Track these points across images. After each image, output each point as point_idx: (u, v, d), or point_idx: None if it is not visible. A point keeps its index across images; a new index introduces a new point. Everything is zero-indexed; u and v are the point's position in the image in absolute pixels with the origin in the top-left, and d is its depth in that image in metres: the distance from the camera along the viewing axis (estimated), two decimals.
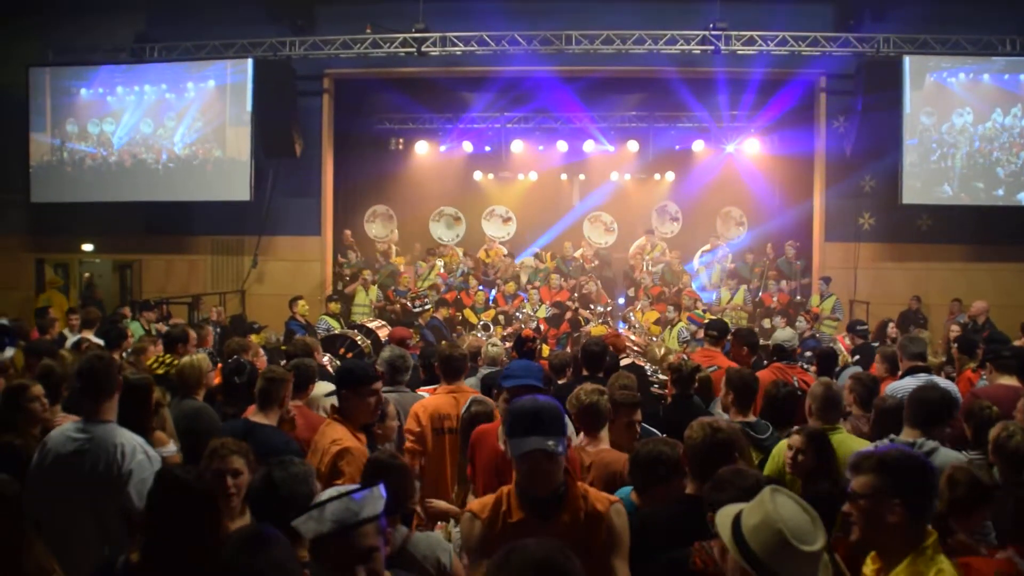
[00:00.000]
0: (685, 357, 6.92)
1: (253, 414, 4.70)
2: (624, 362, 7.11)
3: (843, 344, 10.32)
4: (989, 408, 4.66)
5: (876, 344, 9.05)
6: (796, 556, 2.23)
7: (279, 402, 4.68)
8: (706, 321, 10.52)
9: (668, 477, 3.56)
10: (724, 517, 2.41)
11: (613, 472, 4.12)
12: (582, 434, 4.39)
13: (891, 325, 10.42)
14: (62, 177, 14.89)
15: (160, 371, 6.18)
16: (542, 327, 12.85)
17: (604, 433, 4.40)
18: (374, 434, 4.73)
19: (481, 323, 13.24)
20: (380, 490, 2.65)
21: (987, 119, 13.64)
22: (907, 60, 13.52)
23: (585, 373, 6.40)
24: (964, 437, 4.79)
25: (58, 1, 14.58)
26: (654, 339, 11.89)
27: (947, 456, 4.14)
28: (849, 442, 4.56)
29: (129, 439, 3.86)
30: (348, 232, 15.92)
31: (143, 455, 3.83)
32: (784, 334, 6.65)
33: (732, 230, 17.08)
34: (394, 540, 3.18)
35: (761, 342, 9.47)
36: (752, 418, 5.03)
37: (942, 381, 6.05)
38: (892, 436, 4.37)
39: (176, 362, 6.19)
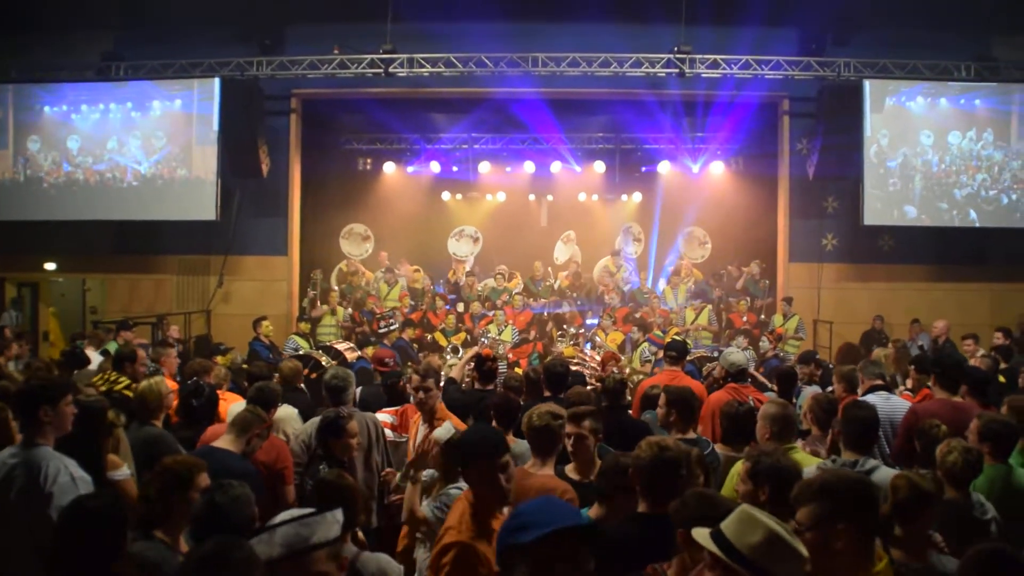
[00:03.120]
0: (615, 371, 6.91)
1: (221, 439, 4.70)
2: None
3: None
4: (937, 427, 4.72)
5: None
6: (791, 554, 2.31)
7: (247, 436, 4.70)
8: (666, 342, 10.55)
9: (630, 489, 3.57)
10: (704, 539, 2.42)
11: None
12: (532, 456, 4.36)
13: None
14: (24, 195, 14.67)
15: (103, 388, 6.12)
16: (509, 355, 12.81)
17: (552, 459, 4.33)
18: (330, 447, 4.73)
19: (450, 346, 13.20)
20: (336, 515, 2.63)
21: (945, 142, 13.94)
22: (867, 84, 13.78)
23: (547, 394, 6.41)
24: (909, 454, 4.86)
25: (23, 19, 14.43)
26: (623, 359, 11.96)
27: (887, 474, 4.17)
28: (806, 461, 4.60)
29: (55, 462, 3.83)
30: (385, 254, 16.36)
31: (67, 477, 3.79)
32: (736, 356, 6.71)
33: (696, 250, 17.25)
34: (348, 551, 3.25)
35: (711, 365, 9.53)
36: (692, 435, 5.08)
37: (898, 399, 6.15)
38: (834, 457, 4.42)
39: (122, 380, 6.14)
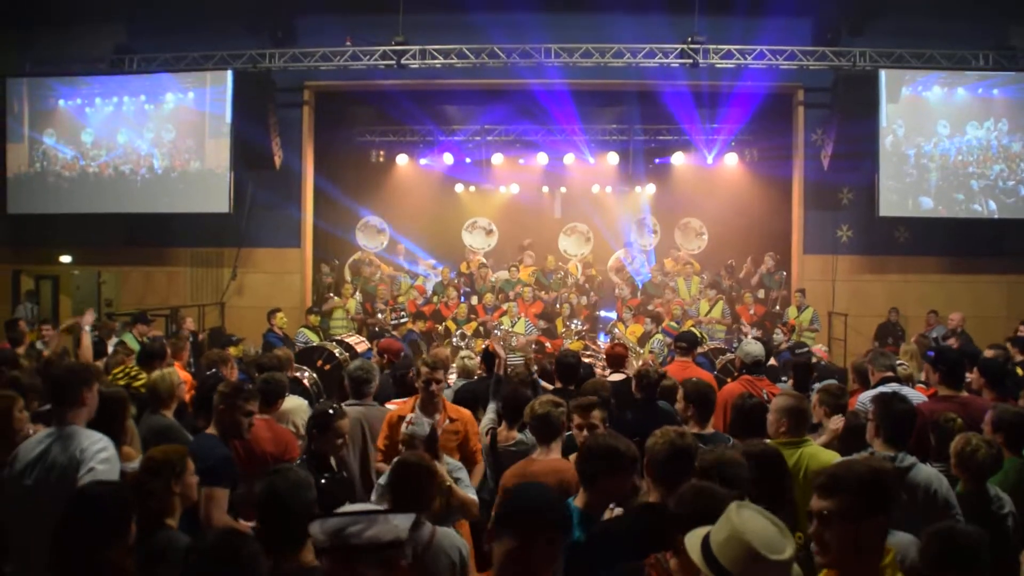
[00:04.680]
0: (651, 363, 6.92)
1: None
2: (616, 378, 7.07)
3: (821, 355, 10.37)
4: (953, 420, 4.67)
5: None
6: (768, 567, 2.23)
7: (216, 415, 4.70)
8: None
9: (614, 471, 3.51)
10: (693, 539, 2.39)
11: (563, 480, 4.12)
12: (537, 445, 4.56)
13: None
14: (40, 188, 14.78)
15: (122, 382, 6.13)
16: (547, 344, 12.77)
17: (557, 444, 4.52)
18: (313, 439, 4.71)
19: (459, 331, 13.20)
20: (402, 520, 2.45)
21: (962, 132, 13.79)
22: (883, 74, 13.65)
23: (558, 385, 6.42)
24: (913, 451, 4.80)
25: (37, 12, 14.50)
26: (640, 351, 11.92)
27: (927, 471, 4.12)
28: (820, 455, 4.53)
29: (97, 436, 3.92)
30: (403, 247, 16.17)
31: (104, 446, 3.86)
32: (753, 348, 6.64)
33: (692, 241, 17.18)
34: (421, 536, 3.33)
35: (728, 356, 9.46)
36: (710, 430, 5.05)
37: (911, 392, 6.08)
38: (872, 450, 4.30)
39: (142, 376, 6.15)
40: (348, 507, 2.56)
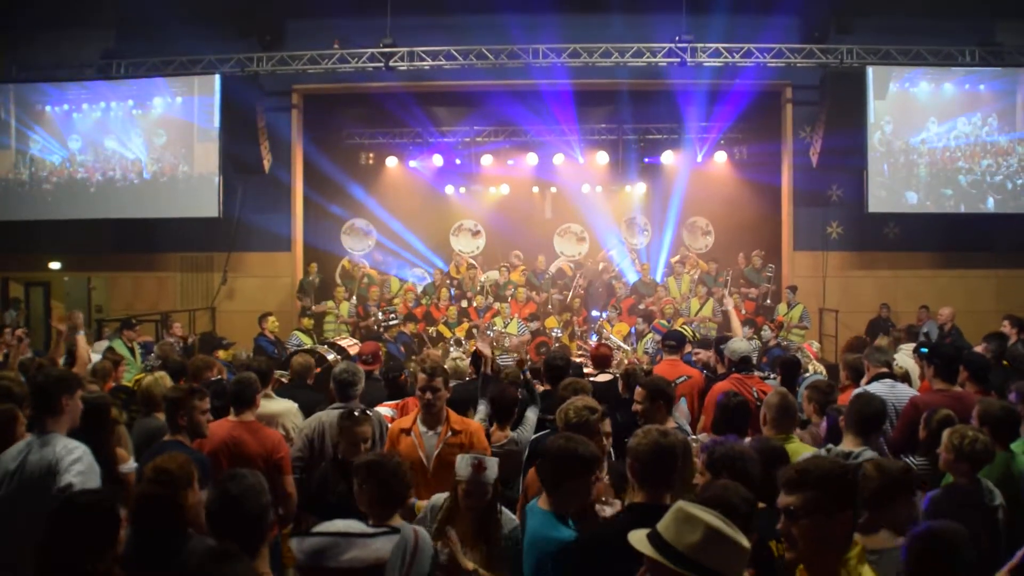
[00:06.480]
0: (637, 361, 6.88)
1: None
2: (603, 378, 7.04)
3: (811, 352, 10.36)
4: (950, 416, 4.65)
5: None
6: (728, 544, 2.25)
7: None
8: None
9: (578, 474, 3.47)
10: (641, 544, 2.34)
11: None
12: None
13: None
14: (27, 195, 14.74)
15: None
16: (548, 345, 12.73)
17: None
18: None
19: (453, 338, 13.17)
20: (378, 543, 2.45)
21: (950, 127, 13.85)
22: (870, 71, 13.69)
23: (547, 387, 6.38)
24: (905, 444, 4.81)
25: (24, 18, 14.46)
26: (630, 350, 11.91)
27: None
28: (802, 451, 4.56)
29: (73, 444, 3.91)
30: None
31: (79, 456, 3.85)
32: (740, 344, 6.63)
33: (699, 240, 17.19)
34: (407, 539, 3.44)
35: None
36: (672, 425, 5.03)
37: (903, 387, 6.10)
38: (830, 446, 4.39)
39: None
40: (327, 525, 2.49)
